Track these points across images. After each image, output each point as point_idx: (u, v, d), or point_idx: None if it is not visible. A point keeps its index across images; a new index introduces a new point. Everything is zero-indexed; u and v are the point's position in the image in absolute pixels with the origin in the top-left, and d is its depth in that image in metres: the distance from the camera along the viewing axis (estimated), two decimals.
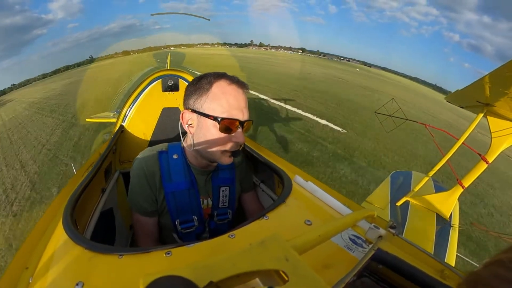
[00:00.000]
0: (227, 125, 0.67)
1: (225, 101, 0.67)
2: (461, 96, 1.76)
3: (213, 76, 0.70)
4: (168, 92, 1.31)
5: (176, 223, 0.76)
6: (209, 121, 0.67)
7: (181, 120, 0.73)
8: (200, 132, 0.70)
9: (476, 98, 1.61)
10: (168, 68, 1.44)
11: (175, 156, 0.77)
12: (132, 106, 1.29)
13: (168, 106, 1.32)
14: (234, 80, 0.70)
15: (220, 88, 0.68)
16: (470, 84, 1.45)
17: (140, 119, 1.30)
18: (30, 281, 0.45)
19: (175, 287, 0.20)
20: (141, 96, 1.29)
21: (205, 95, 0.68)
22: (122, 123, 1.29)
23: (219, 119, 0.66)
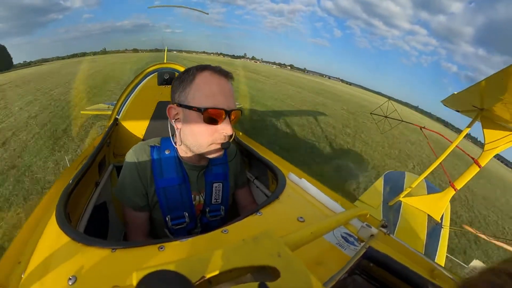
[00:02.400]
0: (211, 116, 0.64)
1: (208, 90, 0.64)
2: (458, 100, 1.78)
3: (196, 68, 0.68)
4: (164, 86, 1.29)
5: (167, 219, 0.75)
6: (193, 113, 0.65)
7: (168, 115, 0.71)
8: (187, 125, 0.68)
9: (472, 103, 1.63)
10: (165, 61, 1.43)
11: (167, 152, 0.75)
12: (127, 99, 1.27)
13: (163, 99, 1.30)
14: (217, 70, 0.68)
15: (203, 78, 0.66)
16: (467, 88, 1.47)
17: (135, 113, 1.28)
18: (22, 276, 0.44)
19: (168, 282, 0.20)
20: (137, 89, 1.27)
21: (189, 87, 0.66)
22: (117, 116, 1.27)
23: (202, 109, 0.63)
